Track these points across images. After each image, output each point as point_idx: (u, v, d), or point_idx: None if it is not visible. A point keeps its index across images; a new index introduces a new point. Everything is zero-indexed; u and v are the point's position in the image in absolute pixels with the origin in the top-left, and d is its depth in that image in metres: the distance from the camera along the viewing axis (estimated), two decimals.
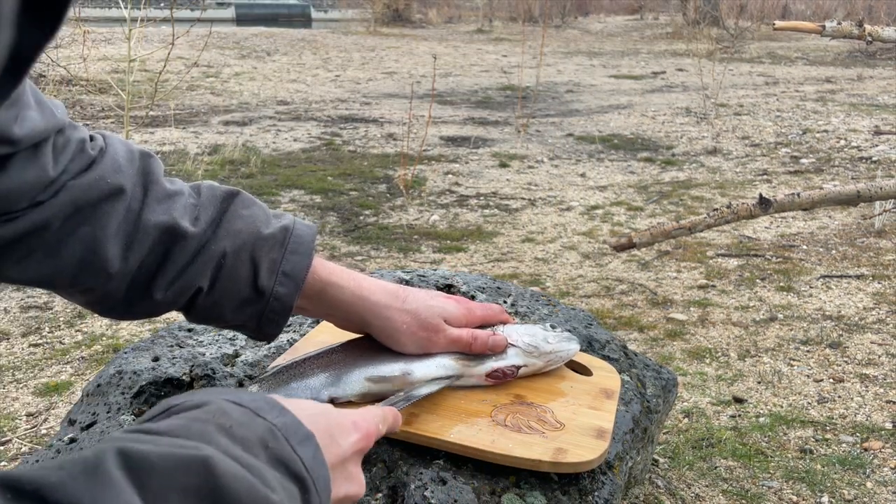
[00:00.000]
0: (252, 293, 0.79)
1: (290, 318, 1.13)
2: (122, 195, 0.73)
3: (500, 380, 0.90)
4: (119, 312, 0.78)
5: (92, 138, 0.76)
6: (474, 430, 0.82)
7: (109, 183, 0.73)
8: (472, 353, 0.88)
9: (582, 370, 0.96)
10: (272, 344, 1.09)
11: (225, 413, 0.50)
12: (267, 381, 0.86)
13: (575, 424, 0.84)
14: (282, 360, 0.95)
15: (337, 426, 0.59)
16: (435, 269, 1.30)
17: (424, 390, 0.85)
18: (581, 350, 0.96)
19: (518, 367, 0.90)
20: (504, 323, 0.95)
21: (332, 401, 0.84)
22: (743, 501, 1.62)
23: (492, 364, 0.89)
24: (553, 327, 0.96)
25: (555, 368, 0.94)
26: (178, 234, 0.75)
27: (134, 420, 0.94)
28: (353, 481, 0.59)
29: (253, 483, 0.45)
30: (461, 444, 0.81)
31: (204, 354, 1.05)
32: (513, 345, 0.91)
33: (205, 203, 0.78)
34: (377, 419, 0.67)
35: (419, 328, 0.85)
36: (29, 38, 0.26)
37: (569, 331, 1.01)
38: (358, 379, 0.85)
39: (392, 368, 0.86)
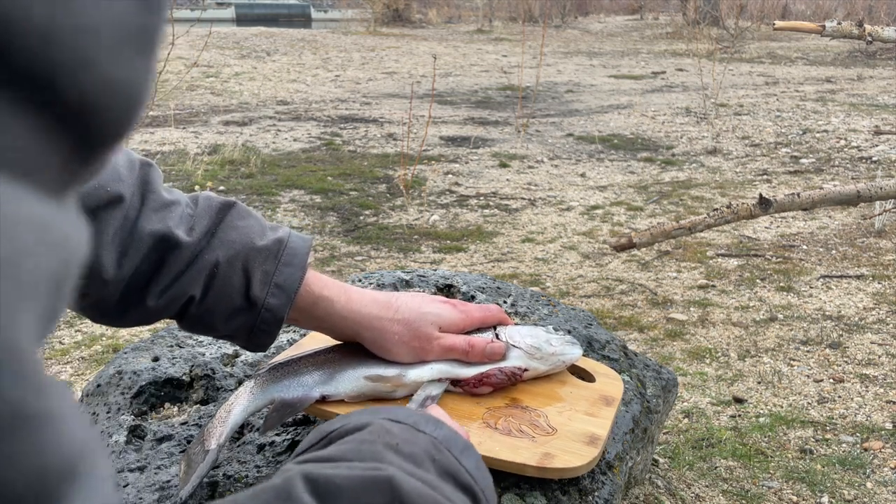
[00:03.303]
0: (244, 303, 0.79)
1: None
2: (121, 203, 0.75)
3: (505, 382, 0.89)
4: (112, 318, 0.79)
5: None
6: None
7: (109, 191, 0.74)
8: (470, 361, 0.87)
9: (585, 376, 0.95)
10: (300, 328, 1.09)
11: (388, 432, 0.51)
12: (262, 377, 0.87)
13: (568, 430, 0.83)
14: (281, 358, 0.95)
15: (457, 432, 0.59)
16: (435, 269, 1.30)
17: (435, 390, 0.85)
18: (581, 351, 0.95)
19: (521, 370, 0.89)
20: (503, 323, 0.94)
21: (325, 398, 0.84)
22: (743, 501, 1.62)
23: (493, 364, 0.88)
24: (556, 330, 0.95)
25: (556, 373, 0.93)
26: (173, 243, 0.76)
27: (133, 419, 0.94)
28: None
29: (435, 497, 0.46)
30: None
31: (204, 354, 1.05)
32: (514, 346, 0.90)
33: (200, 213, 0.80)
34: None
35: (412, 338, 0.85)
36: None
37: (568, 332, 1.01)
38: (351, 378, 0.85)
39: (387, 369, 0.86)
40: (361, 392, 0.85)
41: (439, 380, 0.86)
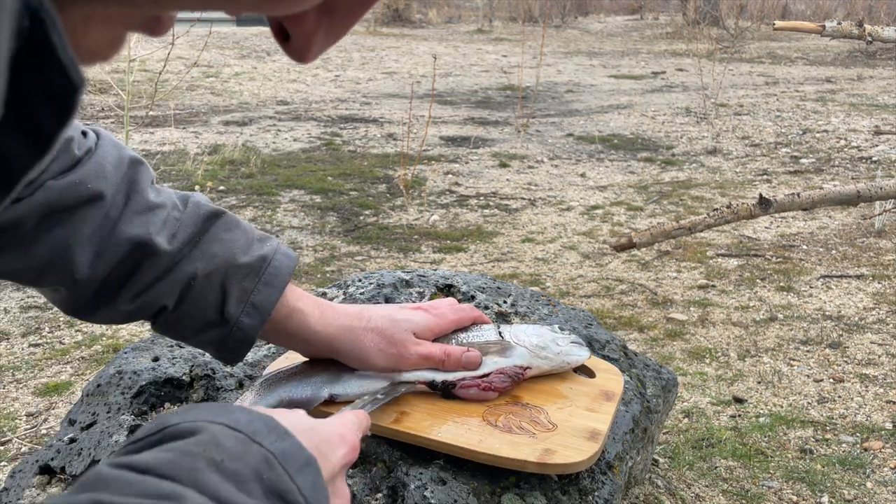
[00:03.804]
0: (217, 318, 0.78)
1: None
2: (101, 202, 0.73)
3: (509, 385, 0.88)
4: (84, 315, 0.78)
5: (85, 134, 0.75)
6: (463, 429, 0.82)
7: (89, 188, 0.72)
8: (446, 370, 0.86)
9: (586, 372, 0.95)
10: (271, 343, 1.09)
11: (217, 444, 0.47)
12: (268, 378, 0.87)
13: (568, 426, 0.83)
14: (283, 360, 0.96)
15: (326, 442, 0.58)
16: (435, 269, 1.30)
17: (384, 395, 0.84)
18: (589, 354, 0.94)
19: (524, 369, 0.89)
20: (478, 322, 0.93)
21: (333, 398, 0.84)
22: (743, 501, 1.62)
23: (494, 364, 0.88)
24: (562, 329, 0.94)
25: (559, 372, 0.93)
26: (151, 250, 0.75)
27: (134, 420, 0.94)
28: (340, 496, 0.58)
29: None
30: (448, 444, 0.80)
31: (204, 354, 1.05)
32: (518, 344, 0.90)
33: (186, 220, 0.78)
34: (356, 427, 0.66)
35: (387, 345, 0.84)
36: (16, 151, 0.26)
37: (569, 330, 1.01)
38: (356, 377, 0.85)
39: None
40: (366, 391, 0.85)
41: (392, 385, 0.85)
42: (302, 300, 0.83)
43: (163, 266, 0.76)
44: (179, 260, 0.76)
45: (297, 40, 0.34)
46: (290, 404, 0.83)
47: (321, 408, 0.84)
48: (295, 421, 0.56)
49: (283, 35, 0.35)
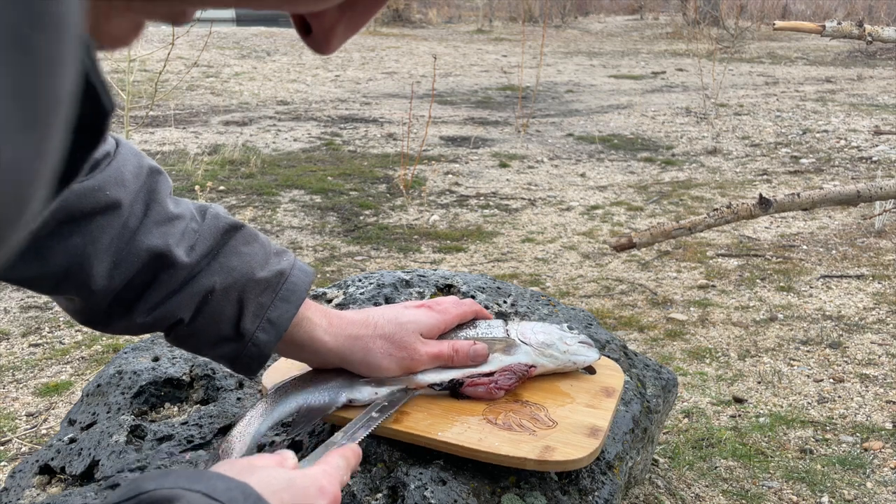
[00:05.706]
0: (232, 332, 0.78)
1: None
2: (119, 210, 0.72)
3: (515, 383, 0.88)
4: (98, 325, 0.77)
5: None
6: (463, 428, 0.82)
7: (108, 195, 0.71)
8: (455, 366, 0.87)
9: (586, 368, 0.95)
10: (275, 353, 1.09)
11: None
12: (281, 388, 0.86)
13: (569, 423, 0.83)
14: (283, 361, 0.95)
15: (303, 497, 0.58)
16: (435, 269, 1.30)
17: (379, 413, 0.83)
18: (598, 355, 0.93)
19: (528, 366, 0.89)
20: (480, 316, 0.93)
21: (351, 402, 0.84)
22: (743, 501, 1.62)
23: (499, 361, 0.88)
24: (570, 328, 0.94)
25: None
26: (169, 262, 0.74)
27: (134, 419, 0.94)
28: None
29: None
30: (448, 443, 0.80)
31: None
32: (524, 343, 0.90)
33: (205, 232, 0.77)
34: (341, 471, 0.65)
35: (397, 349, 0.84)
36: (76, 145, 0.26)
37: (578, 329, 1.00)
38: (371, 381, 0.85)
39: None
40: (381, 396, 0.85)
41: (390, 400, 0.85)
42: (309, 309, 0.82)
43: (180, 278, 0.75)
44: (197, 273, 0.75)
45: (318, 34, 0.35)
46: (308, 411, 0.83)
47: (338, 413, 0.84)
48: (271, 480, 0.56)
49: (304, 28, 0.36)
